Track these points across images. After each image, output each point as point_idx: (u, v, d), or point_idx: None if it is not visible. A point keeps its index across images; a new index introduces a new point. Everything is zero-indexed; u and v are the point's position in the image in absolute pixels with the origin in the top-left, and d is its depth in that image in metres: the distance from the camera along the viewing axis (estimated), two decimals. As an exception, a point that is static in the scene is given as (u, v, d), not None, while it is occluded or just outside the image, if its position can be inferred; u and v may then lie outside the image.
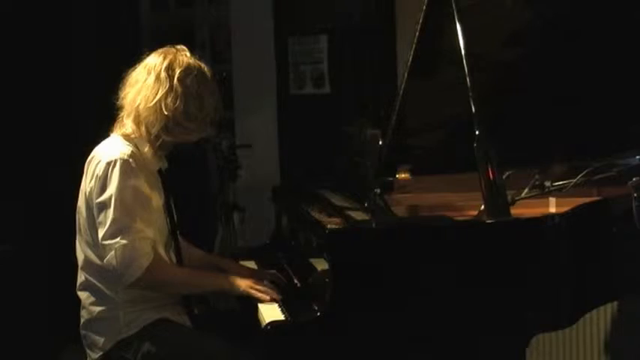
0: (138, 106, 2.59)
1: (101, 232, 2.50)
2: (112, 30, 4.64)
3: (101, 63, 4.37)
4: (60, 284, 3.84)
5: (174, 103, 2.56)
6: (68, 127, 4.35)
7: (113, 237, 2.48)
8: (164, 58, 2.61)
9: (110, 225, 2.48)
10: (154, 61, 2.62)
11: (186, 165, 2.86)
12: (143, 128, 2.59)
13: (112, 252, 2.47)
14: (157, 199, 2.64)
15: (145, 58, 2.65)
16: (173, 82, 2.57)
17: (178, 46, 2.67)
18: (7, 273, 3.90)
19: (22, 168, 4.17)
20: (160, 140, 2.61)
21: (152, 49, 2.70)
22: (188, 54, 2.65)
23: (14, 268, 3.94)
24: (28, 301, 3.96)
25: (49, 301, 4.01)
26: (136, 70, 2.64)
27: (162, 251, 2.65)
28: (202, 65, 2.65)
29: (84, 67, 4.49)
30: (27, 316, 3.94)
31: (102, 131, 2.69)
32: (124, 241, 2.47)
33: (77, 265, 2.68)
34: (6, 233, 3.99)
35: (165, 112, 2.56)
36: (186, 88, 2.58)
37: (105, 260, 2.49)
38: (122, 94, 2.64)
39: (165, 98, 2.56)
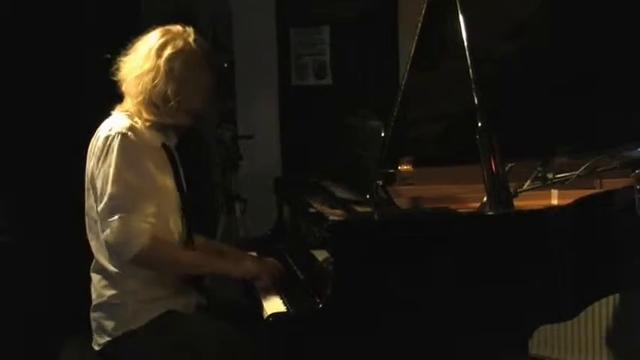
0: (126, 75, 2.59)
1: (100, 206, 2.48)
2: (111, 19, 4.62)
3: (99, 53, 4.35)
4: (60, 275, 3.86)
5: (153, 81, 2.54)
6: (67, 117, 4.33)
7: (111, 214, 2.45)
8: (162, 36, 2.59)
9: (107, 201, 2.46)
10: (154, 36, 2.61)
11: (188, 156, 2.84)
12: (129, 100, 2.59)
13: (109, 229, 2.45)
14: (162, 175, 2.61)
15: (150, 30, 2.64)
16: (159, 60, 2.55)
17: (187, 28, 2.63)
18: (6, 264, 3.90)
19: (22, 158, 4.16)
20: (143, 118, 2.57)
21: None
22: (191, 38, 2.60)
23: (13, 259, 3.93)
24: (27, 292, 3.96)
25: (48, 292, 4.01)
26: (139, 40, 2.63)
27: (173, 226, 2.63)
28: (200, 53, 2.61)
29: (82, 57, 4.47)
30: (26, 307, 3.94)
31: (104, 118, 2.67)
32: (120, 219, 2.43)
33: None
34: (5, 224, 3.98)
35: (143, 88, 2.54)
36: (170, 70, 2.55)
37: (102, 237, 2.48)
38: (121, 61, 2.62)
39: (147, 74, 2.54)
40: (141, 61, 2.57)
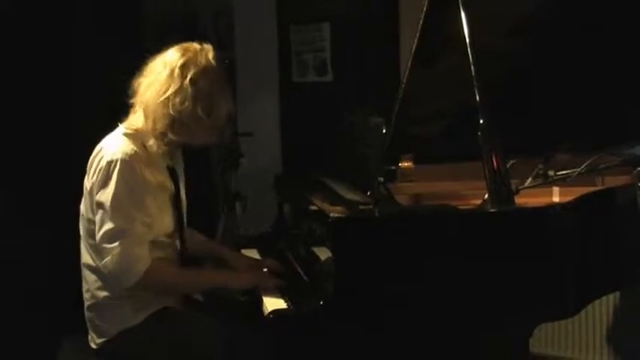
0: (148, 98, 2.56)
1: (99, 234, 2.48)
2: (112, 17, 4.61)
3: (102, 51, 4.35)
4: (59, 274, 3.85)
5: (183, 104, 2.52)
6: (67, 117, 4.33)
7: (111, 241, 2.46)
8: (182, 55, 2.56)
9: (108, 228, 2.46)
10: (173, 55, 2.57)
11: (188, 153, 2.84)
12: (150, 122, 2.56)
13: (109, 257, 2.45)
14: (164, 194, 2.62)
15: (167, 49, 2.60)
16: (185, 81, 2.52)
17: (204, 45, 2.62)
18: (6, 263, 3.89)
19: (22, 158, 4.15)
20: (167, 138, 2.56)
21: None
22: (210, 54, 2.59)
23: (14, 263, 3.93)
24: (28, 293, 3.95)
25: (48, 287, 4.00)
26: (155, 60, 2.59)
27: (168, 243, 2.64)
28: (220, 68, 2.60)
29: (84, 56, 4.46)
30: (26, 305, 3.94)
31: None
32: (121, 247, 2.44)
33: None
34: (5, 227, 3.97)
35: (172, 112, 2.52)
36: (197, 91, 2.53)
37: (102, 263, 2.48)
38: (137, 82, 2.60)
39: (174, 97, 2.52)
40: (164, 84, 2.54)
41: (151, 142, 2.56)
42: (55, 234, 3.89)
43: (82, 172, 2.63)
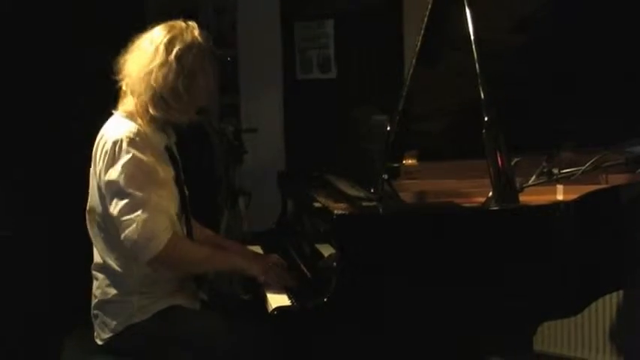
0: (132, 74, 2.56)
1: (117, 209, 2.46)
2: (114, 12, 4.61)
3: (103, 46, 4.34)
4: (60, 270, 3.86)
5: (165, 78, 2.52)
6: (68, 115, 4.32)
7: (133, 211, 2.43)
8: (168, 32, 2.57)
9: (126, 201, 2.44)
10: (159, 32, 2.58)
11: (191, 149, 2.84)
12: (135, 99, 2.57)
13: (133, 225, 2.43)
14: (166, 174, 2.61)
15: (152, 27, 2.61)
16: (169, 56, 2.53)
17: (189, 22, 2.62)
18: (7, 262, 3.89)
19: (23, 155, 4.15)
20: (148, 115, 2.56)
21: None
22: (196, 32, 2.59)
23: (14, 257, 3.93)
24: (28, 290, 3.95)
25: (49, 287, 4.01)
26: (141, 37, 2.60)
27: (177, 224, 2.63)
28: (206, 47, 2.60)
29: (85, 49, 4.46)
30: (27, 304, 3.94)
31: (104, 115, 2.66)
32: (144, 215, 2.43)
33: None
34: (6, 219, 3.97)
35: (153, 84, 2.52)
36: (181, 66, 2.53)
37: (124, 235, 2.44)
38: (123, 59, 2.60)
39: (158, 70, 2.52)
40: (149, 58, 2.54)
41: (143, 122, 2.57)
42: (55, 233, 3.90)
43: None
